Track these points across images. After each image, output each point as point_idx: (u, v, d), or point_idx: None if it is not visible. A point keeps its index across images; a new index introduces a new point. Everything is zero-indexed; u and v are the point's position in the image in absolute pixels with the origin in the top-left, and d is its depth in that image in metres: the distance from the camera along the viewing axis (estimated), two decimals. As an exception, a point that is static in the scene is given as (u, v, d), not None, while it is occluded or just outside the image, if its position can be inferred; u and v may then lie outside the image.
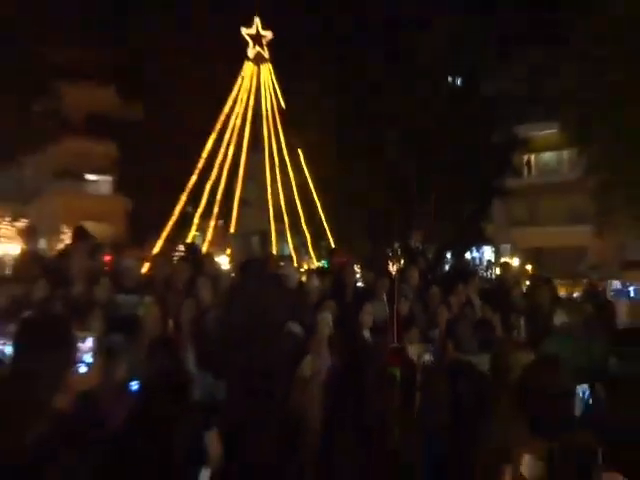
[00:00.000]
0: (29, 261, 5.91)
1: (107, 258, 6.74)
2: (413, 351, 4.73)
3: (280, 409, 3.40)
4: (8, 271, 6.16)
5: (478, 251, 23.65)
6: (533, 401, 2.04)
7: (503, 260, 17.26)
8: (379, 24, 21.45)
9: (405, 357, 4.40)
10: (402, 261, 8.63)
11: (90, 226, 8.31)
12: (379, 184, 20.08)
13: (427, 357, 4.55)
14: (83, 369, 2.32)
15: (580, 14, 14.07)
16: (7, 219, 24.03)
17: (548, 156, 25.00)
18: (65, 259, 5.73)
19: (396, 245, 18.78)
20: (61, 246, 8.91)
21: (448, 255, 19.43)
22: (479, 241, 22.67)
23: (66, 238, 12.00)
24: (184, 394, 2.40)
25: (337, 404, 3.15)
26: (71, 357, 2.06)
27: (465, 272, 7.64)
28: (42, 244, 10.00)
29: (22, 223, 22.99)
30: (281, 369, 3.90)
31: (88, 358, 2.37)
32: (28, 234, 6.79)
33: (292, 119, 18.40)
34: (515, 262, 19.95)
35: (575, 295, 9.66)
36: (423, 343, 4.98)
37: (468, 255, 21.95)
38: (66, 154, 27.72)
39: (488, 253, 24.17)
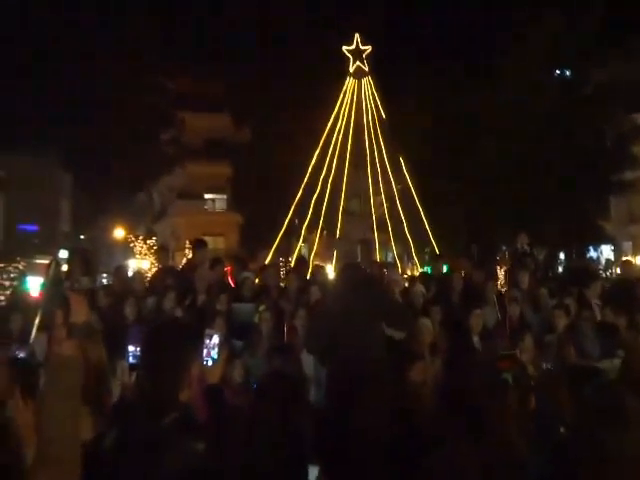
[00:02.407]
0: (161, 275, 6.68)
1: (228, 269, 7.55)
2: (527, 358, 4.64)
3: (382, 412, 3.27)
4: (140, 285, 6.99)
5: (596, 250, 22.09)
6: None
7: (624, 259, 16.09)
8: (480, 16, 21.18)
9: (517, 361, 4.28)
10: (511, 264, 8.46)
11: (207, 240, 9.28)
12: (481, 184, 19.64)
13: (544, 365, 4.49)
14: (210, 363, 2.49)
15: None
16: (140, 238, 26.81)
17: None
18: (190, 271, 6.45)
19: (503, 248, 18.28)
20: (185, 260, 9.98)
21: (561, 256, 18.48)
22: (597, 239, 21.17)
23: (189, 252, 13.29)
24: (299, 396, 2.45)
25: (446, 410, 3.04)
26: (193, 356, 2.21)
27: (584, 274, 7.21)
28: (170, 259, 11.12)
29: (152, 241, 25.53)
30: (376, 373, 3.81)
31: (215, 354, 2.50)
32: (161, 253, 7.74)
33: (392, 127, 18.69)
34: (638, 261, 18.46)
35: None
36: (538, 349, 4.81)
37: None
38: (187, 176, 30.41)
39: (607, 252, 22.49)
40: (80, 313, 1.60)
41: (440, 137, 20.54)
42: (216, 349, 2.50)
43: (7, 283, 18.03)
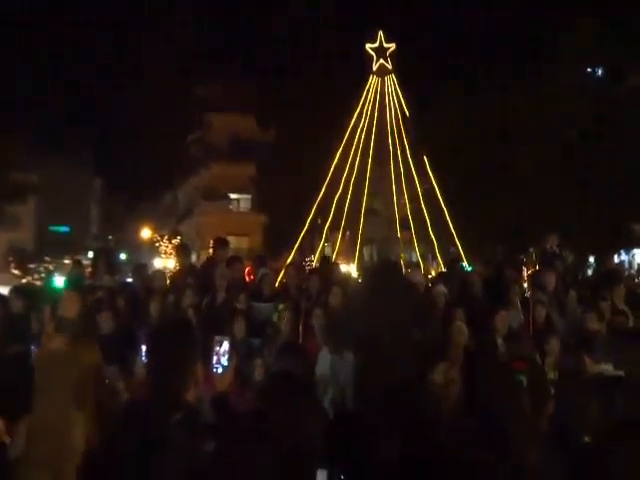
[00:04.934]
0: (182, 274, 6.73)
1: (248, 268, 7.52)
2: (551, 362, 4.63)
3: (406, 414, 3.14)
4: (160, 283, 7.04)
5: (627, 254, 21.48)
6: None
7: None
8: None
9: (533, 362, 4.12)
10: (537, 266, 8.27)
11: (232, 240, 9.28)
12: (510, 184, 19.37)
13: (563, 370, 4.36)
14: (220, 370, 2.46)
15: None
16: (165, 237, 27.23)
17: None
18: (210, 267, 6.49)
19: (531, 249, 17.88)
20: (206, 258, 10.01)
21: (591, 259, 18.01)
22: (628, 243, 20.65)
23: (212, 251, 13.34)
24: (304, 395, 2.39)
25: (466, 413, 3.05)
26: (196, 356, 2.25)
27: (611, 277, 6.98)
28: (193, 258, 11.17)
29: (177, 240, 25.86)
30: (405, 376, 3.58)
31: (225, 360, 2.47)
32: (182, 252, 7.77)
33: (417, 126, 18.51)
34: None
35: None
36: (563, 353, 4.71)
37: (616, 259, 20.06)
38: (212, 177, 30.71)
39: (639, 256, 21.84)
40: (70, 309, 1.58)
41: (468, 138, 20.29)
42: (226, 355, 2.47)
43: (38, 283, 18.56)
